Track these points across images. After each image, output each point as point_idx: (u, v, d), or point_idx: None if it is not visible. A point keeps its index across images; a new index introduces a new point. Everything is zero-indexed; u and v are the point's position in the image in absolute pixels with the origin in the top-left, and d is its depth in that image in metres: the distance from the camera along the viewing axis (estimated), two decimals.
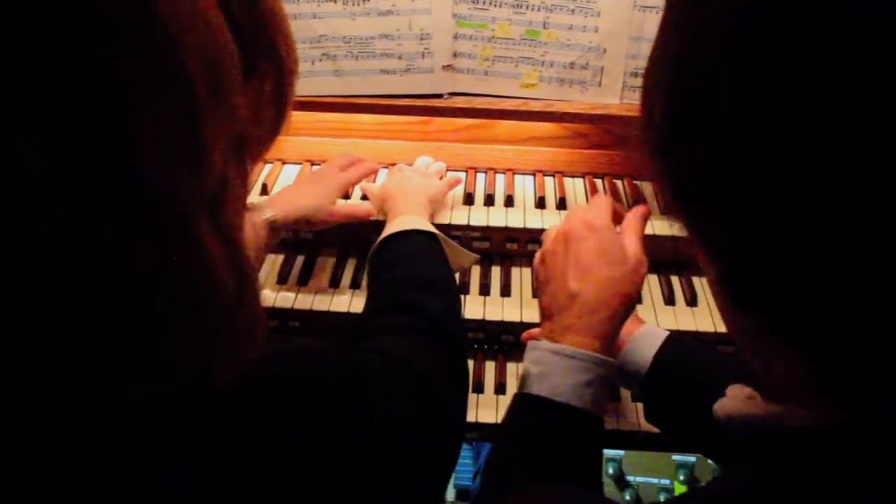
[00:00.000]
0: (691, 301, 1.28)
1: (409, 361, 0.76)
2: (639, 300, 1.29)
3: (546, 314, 0.88)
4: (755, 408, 0.52)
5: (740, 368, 0.92)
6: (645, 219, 0.93)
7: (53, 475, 0.42)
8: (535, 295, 1.27)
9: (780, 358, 0.49)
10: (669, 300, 1.29)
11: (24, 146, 0.33)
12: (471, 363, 1.22)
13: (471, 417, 1.15)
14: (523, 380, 0.85)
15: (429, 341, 0.83)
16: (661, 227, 1.31)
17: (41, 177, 0.33)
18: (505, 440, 0.85)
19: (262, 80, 0.49)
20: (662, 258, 1.35)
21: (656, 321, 1.25)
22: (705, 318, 1.25)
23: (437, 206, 1.28)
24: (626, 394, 1.22)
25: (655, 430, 1.16)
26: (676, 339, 0.98)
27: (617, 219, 0.92)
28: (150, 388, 0.43)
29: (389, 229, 1.08)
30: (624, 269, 0.86)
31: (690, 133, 0.43)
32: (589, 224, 0.89)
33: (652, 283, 1.33)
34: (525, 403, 0.83)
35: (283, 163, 1.45)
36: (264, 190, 1.36)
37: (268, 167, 1.43)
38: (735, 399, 0.58)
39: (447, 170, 1.42)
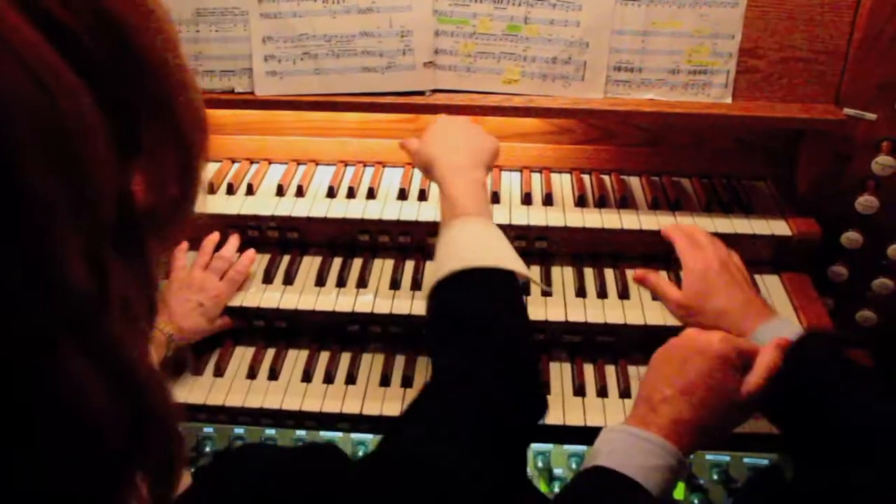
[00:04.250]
0: None
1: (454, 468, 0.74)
2: (627, 296, 1.28)
3: (640, 400, 0.88)
4: None
5: (866, 377, 0.92)
6: (782, 351, 0.90)
7: None
8: None
9: None
10: None
11: None
12: None
13: None
14: (590, 458, 0.85)
15: (484, 437, 0.79)
16: (648, 222, 1.30)
17: None
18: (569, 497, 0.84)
19: (158, 150, 0.42)
20: (654, 253, 1.33)
21: (644, 317, 1.24)
22: None
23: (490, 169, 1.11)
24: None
25: None
26: (813, 337, 0.96)
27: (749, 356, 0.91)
28: None
29: (455, 253, 0.92)
30: (725, 404, 0.86)
31: None
32: (718, 353, 0.87)
33: None
34: (590, 473, 0.82)
35: (270, 163, 1.44)
36: (249, 190, 1.36)
37: (254, 167, 1.43)
38: None
39: None
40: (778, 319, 1.00)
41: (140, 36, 0.39)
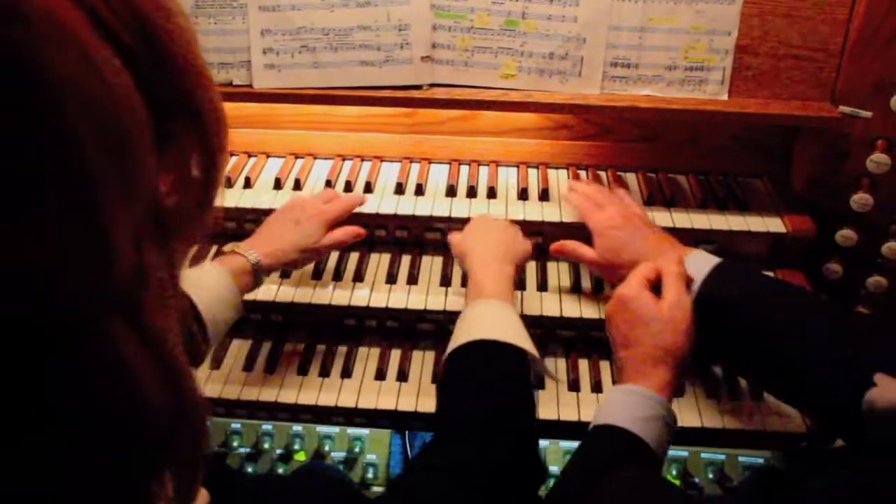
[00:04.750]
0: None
1: None
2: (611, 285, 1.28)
3: (616, 375, 1.03)
4: None
5: (791, 295, 1.03)
6: (681, 265, 1.04)
7: None
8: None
9: None
10: None
11: None
12: None
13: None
14: (594, 421, 0.95)
15: (472, 494, 0.83)
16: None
17: None
18: (572, 464, 0.93)
19: (183, 149, 0.43)
20: None
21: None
22: None
23: (520, 270, 1.20)
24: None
25: None
26: (728, 264, 1.06)
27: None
28: None
29: (473, 328, 0.99)
30: (658, 325, 0.97)
31: None
32: (620, 297, 1.01)
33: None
34: (593, 433, 0.93)
35: (268, 156, 1.45)
36: (247, 183, 1.36)
37: (251, 160, 1.43)
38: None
39: (431, 162, 1.42)
40: (693, 253, 1.09)
41: (167, 36, 0.41)
